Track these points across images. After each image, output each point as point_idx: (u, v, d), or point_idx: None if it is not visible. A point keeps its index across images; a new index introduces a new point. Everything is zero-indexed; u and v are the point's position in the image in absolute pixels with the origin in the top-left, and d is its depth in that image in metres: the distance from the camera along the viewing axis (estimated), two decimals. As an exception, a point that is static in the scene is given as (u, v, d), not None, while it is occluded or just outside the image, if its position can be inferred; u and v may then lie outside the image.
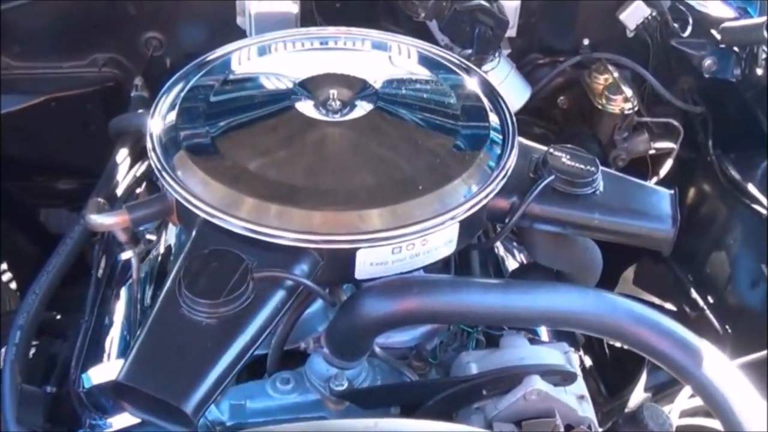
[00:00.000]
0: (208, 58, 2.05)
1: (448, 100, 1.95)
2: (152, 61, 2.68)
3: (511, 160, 1.83)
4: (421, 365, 1.86)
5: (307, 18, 2.58)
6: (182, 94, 1.92)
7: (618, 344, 1.73)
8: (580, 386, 1.75)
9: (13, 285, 2.87)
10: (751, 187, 2.46)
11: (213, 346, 1.53)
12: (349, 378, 1.76)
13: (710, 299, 2.53)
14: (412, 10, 2.51)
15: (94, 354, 2.02)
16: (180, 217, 1.79)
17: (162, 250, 2.29)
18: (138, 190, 2.24)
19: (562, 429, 1.68)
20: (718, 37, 2.63)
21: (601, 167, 1.90)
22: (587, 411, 1.72)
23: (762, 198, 2.41)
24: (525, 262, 2.37)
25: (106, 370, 1.89)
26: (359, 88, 1.93)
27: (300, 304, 1.74)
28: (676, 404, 1.88)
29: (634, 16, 2.67)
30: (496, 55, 2.54)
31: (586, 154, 1.91)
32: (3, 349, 1.84)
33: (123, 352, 2.03)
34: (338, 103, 1.87)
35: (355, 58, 2.09)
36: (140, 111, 2.41)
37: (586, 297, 1.71)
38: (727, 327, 2.44)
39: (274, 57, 2.09)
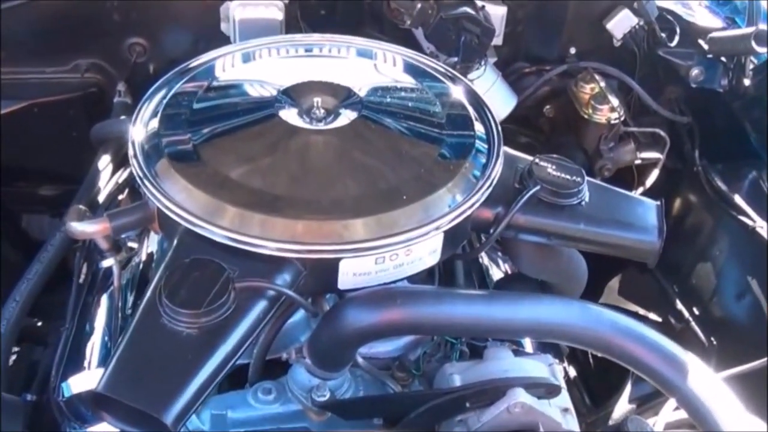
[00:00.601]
0: (192, 65, 2.04)
1: (434, 108, 1.94)
2: (135, 67, 2.67)
3: (497, 170, 1.82)
4: (404, 376, 1.85)
5: (291, 24, 2.57)
6: (165, 101, 1.91)
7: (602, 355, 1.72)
8: (564, 399, 1.74)
9: (-6, 291, 2.86)
10: (738, 199, 2.45)
11: (193, 357, 1.52)
12: (331, 389, 1.75)
13: (695, 311, 2.52)
14: (397, 17, 2.50)
15: (75, 362, 2.00)
16: (161, 226, 1.77)
17: (144, 257, 2.27)
18: (120, 197, 2.23)
19: (545, 442, 1.67)
20: (706, 47, 2.62)
21: (587, 178, 1.89)
22: (571, 424, 1.72)
23: (748, 209, 2.40)
24: (509, 272, 2.37)
25: (86, 379, 1.87)
26: (344, 96, 1.91)
27: (282, 314, 1.73)
28: (661, 416, 1.87)
29: (621, 25, 2.67)
30: (482, 63, 2.53)
31: (572, 165, 1.90)
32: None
33: (103, 360, 2.02)
34: (322, 111, 1.86)
35: (340, 66, 2.08)
36: (123, 117, 2.41)
37: (571, 309, 1.71)
38: (712, 339, 2.43)
39: (259, 64, 2.07)
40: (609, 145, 2.72)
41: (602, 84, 2.71)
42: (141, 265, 2.26)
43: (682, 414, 1.71)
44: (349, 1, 2.72)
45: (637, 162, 2.79)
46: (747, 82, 2.57)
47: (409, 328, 1.75)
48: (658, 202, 1.96)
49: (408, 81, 2.04)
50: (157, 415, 1.45)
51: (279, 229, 1.64)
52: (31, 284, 1.97)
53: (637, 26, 2.67)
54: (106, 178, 2.24)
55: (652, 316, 2.65)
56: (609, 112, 2.68)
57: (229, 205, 1.67)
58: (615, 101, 2.68)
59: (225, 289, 1.55)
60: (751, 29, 2.51)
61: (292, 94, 1.90)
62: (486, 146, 1.88)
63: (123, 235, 1.92)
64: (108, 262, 1.91)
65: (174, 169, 1.74)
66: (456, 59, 2.45)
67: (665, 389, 1.65)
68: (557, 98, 2.85)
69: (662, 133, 2.74)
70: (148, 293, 1.60)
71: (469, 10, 2.44)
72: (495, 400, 1.66)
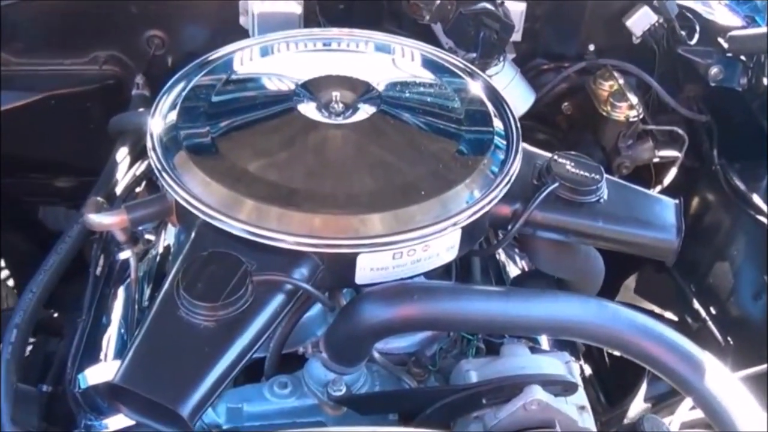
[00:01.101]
0: (210, 58, 2.04)
1: (452, 104, 1.93)
2: (154, 60, 2.67)
3: (515, 166, 1.82)
4: (420, 372, 1.84)
5: (310, 19, 2.57)
6: (183, 94, 1.91)
7: (618, 353, 1.72)
8: (580, 397, 1.73)
9: (11, 282, 2.87)
10: (756, 198, 2.44)
11: (210, 350, 1.52)
12: (347, 383, 1.75)
13: (712, 310, 2.52)
14: (416, 12, 2.49)
15: (91, 353, 2.00)
16: (179, 218, 1.78)
17: (161, 250, 2.27)
18: (137, 190, 2.23)
19: (562, 440, 1.67)
20: (725, 45, 2.60)
21: (605, 175, 1.88)
22: (588, 422, 1.70)
23: (767, 209, 2.39)
24: (526, 269, 2.36)
25: (103, 371, 1.87)
26: (362, 90, 1.91)
27: (299, 308, 1.72)
28: (677, 415, 1.87)
29: (640, 22, 2.65)
30: (501, 59, 2.52)
31: (591, 162, 1.90)
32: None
33: (120, 353, 2.01)
34: (341, 105, 1.86)
35: (359, 60, 2.07)
36: (141, 110, 2.41)
37: (588, 306, 1.70)
38: (729, 338, 2.42)
39: (277, 57, 2.07)
40: (627, 143, 2.70)
41: (621, 81, 2.70)
42: (158, 258, 2.25)
43: (698, 413, 1.70)
44: (369, -4, 2.72)
45: (656, 160, 2.77)
46: (766, 81, 2.56)
47: (426, 324, 1.75)
48: (677, 201, 1.95)
49: (427, 76, 2.03)
50: (174, 407, 1.45)
51: (297, 223, 1.64)
52: (48, 275, 1.97)
53: (656, 24, 2.65)
54: (124, 170, 2.24)
55: (669, 314, 2.64)
56: (627, 109, 2.67)
57: (247, 198, 1.67)
58: (634, 99, 2.67)
59: (243, 282, 1.55)
60: (771, 28, 2.50)
61: (311, 88, 1.90)
62: (504, 142, 1.88)
63: (140, 228, 1.92)
64: (125, 254, 1.91)
65: (192, 162, 1.74)
66: (475, 55, 2.44)
67: (681, 388, 1.64)
68: (576, 95, 2.84)
69: (681, 132, 2.72)
70: (166, 286, 1.60)
71: (488, 5, 2.43)
72: (511, 397, 1.65)
